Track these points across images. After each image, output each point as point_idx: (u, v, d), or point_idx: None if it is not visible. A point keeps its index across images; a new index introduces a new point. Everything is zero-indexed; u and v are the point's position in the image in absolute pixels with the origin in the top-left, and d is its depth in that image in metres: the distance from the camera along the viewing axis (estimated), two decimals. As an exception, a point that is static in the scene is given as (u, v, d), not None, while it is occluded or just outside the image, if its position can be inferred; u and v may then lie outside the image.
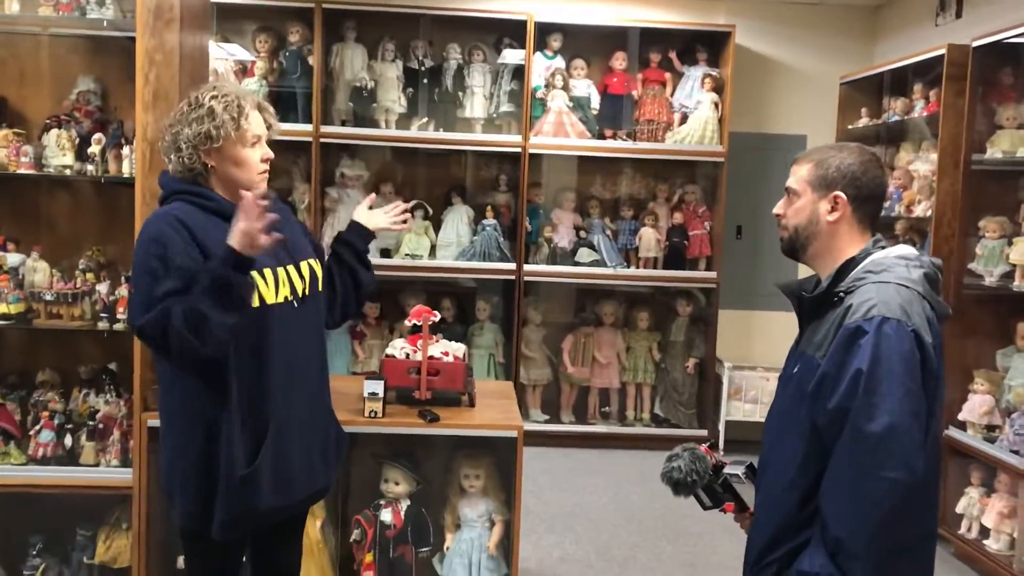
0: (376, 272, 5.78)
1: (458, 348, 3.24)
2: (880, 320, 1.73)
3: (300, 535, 2.54)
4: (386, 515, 3.14)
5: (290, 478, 2.24)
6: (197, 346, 1.98)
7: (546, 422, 5.90)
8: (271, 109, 2.35)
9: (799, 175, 1.95)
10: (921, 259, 1.89)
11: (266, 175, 2.27)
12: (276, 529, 2.40)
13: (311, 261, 2.34)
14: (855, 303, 1.80)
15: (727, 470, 2.12)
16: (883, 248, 1.92)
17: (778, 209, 2.00)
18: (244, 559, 2.42)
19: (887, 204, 5.00)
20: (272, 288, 2.19)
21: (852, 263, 1.90)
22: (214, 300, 1.97)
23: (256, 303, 2.13)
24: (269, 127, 2.30)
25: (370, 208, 2.69)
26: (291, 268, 2.26)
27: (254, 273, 2.09)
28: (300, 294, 2.27)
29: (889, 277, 1.81)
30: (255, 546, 2.45)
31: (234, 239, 1.99)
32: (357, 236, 2.62)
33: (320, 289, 2.36)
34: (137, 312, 2.05)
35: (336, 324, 2.59)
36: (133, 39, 2.87)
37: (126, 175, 2.97)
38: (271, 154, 2.27)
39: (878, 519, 1.68)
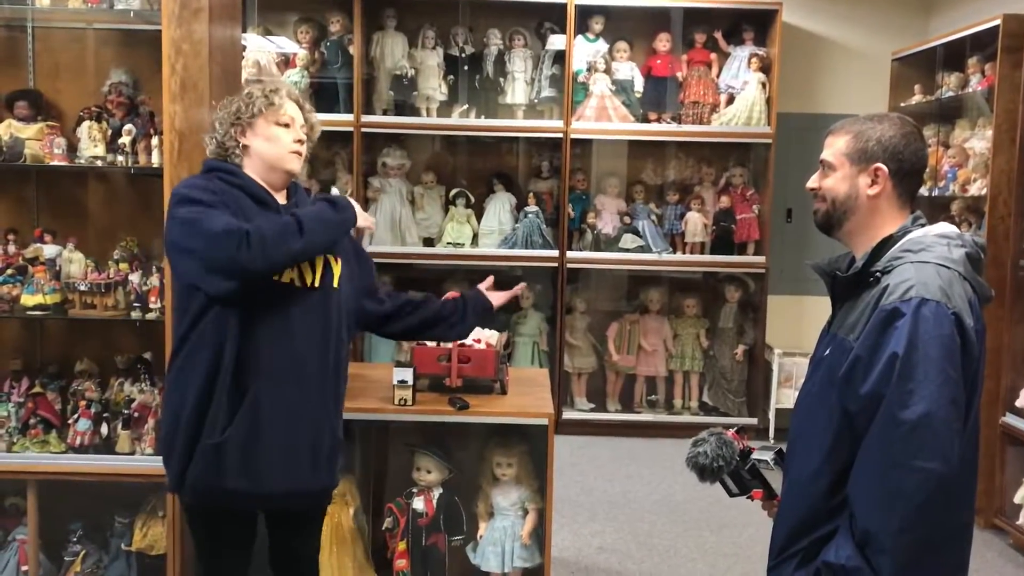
0: (419, 261, 5.80)
1: (491, 335, 3.20)
2: (919, 302, 1.63)
3: (314, 524, 2.53)
4: (418, 503, 3.12)
5: (262, 466, 2.21)
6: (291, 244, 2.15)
7: (592, 410, 5.84)
8: (311, 108, 2.44)
9: (836, 147, 1.84)
10: (963, 238, 1.78)
11: (298, 156, 2.33)
12: (286, 515, 2.42)
13: (331, 257, 2.33)
14: (892, 283, 1.70)
15: (755, 456, 2.04)
16: (922, 226, 1.81)
17: (812, 183, 1.90)
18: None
19: (941, 184, 4.82)
20: None
21: (889, 241, 1.80)
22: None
23: None
24: (311, 125, 2.41)
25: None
26: None
27: None
28: (308, 283, 2.26)
29: (929, 257, 1.71)
30: (271, 524, 2.48)
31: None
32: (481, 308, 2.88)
33: (336, 286, 2.34)
34: (215, 222, 2.10)
35: (388, 335, 2.86)
36: (160, 30, 2.88)
37: (155, 165, 2.99)
38: (303, 137, 2.36)
39: (909, 511, 1.59)
